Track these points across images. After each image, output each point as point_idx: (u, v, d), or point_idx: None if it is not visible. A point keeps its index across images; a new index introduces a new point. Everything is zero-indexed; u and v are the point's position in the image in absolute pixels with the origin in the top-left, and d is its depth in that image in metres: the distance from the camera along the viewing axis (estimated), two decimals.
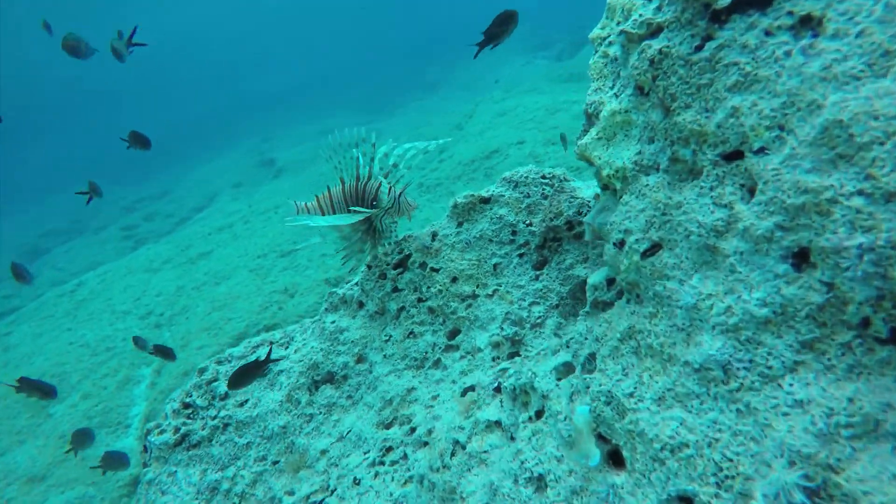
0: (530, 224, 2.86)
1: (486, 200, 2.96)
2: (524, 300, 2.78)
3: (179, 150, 23.16)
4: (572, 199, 2.83)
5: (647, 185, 1.58)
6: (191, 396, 3.06)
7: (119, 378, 7.72)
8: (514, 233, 2.88)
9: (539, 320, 2.72)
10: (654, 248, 1.56)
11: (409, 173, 3.10)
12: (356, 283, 3.21)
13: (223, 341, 7.95)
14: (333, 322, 3.13)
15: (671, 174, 1.53)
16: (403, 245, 3.08)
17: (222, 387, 3.05)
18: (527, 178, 2.93)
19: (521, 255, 2.87)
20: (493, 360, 2.67)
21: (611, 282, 2.07)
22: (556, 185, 2.90)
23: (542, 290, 2.79)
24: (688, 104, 1.45)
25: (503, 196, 2.93)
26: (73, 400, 6.96)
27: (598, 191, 2.90)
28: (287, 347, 3.16)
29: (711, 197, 1.39)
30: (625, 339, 1.61)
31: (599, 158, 1.84)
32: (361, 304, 3.14)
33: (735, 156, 1.41)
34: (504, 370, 2.50)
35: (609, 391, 1.55)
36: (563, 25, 19.21)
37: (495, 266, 2.88)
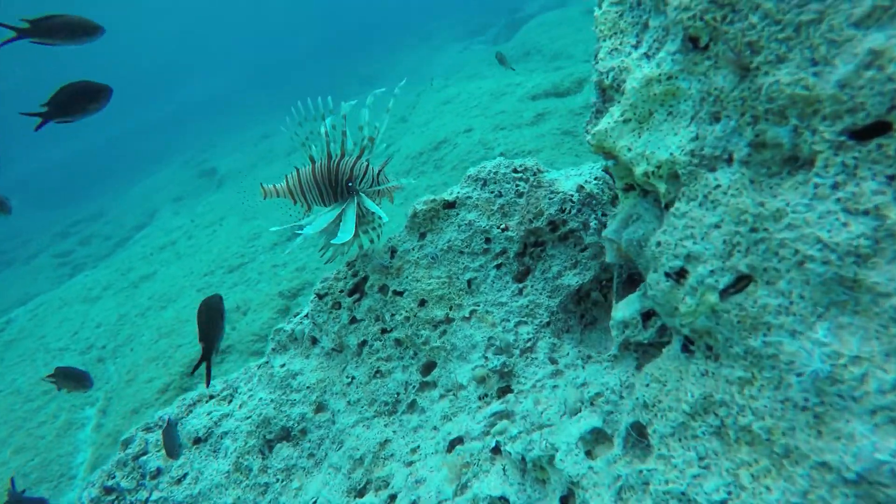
0: (506, 228, 2.35)
1: (450, 205, 2.42)
2: (508, 320, 2.27)
3: (114, 168, 21.62)
4: (552, 195, 2.32)
5: (718, 185, 1.06)
6: (113, 478, 2.43)
7: (59, 424, 6.87)
8: (487, 240, 2.36)
9: (529, 344, 2.22)
10: (741, 283, 1.07)
11: (387, 148, 2.58)
12: (305, 316, 2.63)
13: (174, 371, 7.20)
14: (283, 366, 2.56)
15: (755, 167, 1.02)
16: (357, 266, 2.52)
17: (153, 461, 2.43)
18: (496, 173, 2.41)
19: (498, 267, 2.35)
20: (480, 398, 2.15)
21: (647, 315, 1.56)
22: (532, 179, 2.39)
23: (527, 306, 2.28)
24: (782, 56, 0.94)
25: (470, 198, 2.41)
26: (2, 457, 6.11)
27: (584, 181, 2.40)
28: (230, 402, 2.57)
29: (838, 199, 0.90)
30: (698, 414, 1.10)
31: (629, 150, 1.31)
32: (315, 341, 2.57)
33: (875, 130, 0.93)
34: (498, 415, 1.99)
35: (684, 494, 1.05)
36: (495, 9, 18.70)
37: (469, 282, 2.35)
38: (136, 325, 8.37)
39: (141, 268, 10.47)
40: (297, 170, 2.52)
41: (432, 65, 15.48)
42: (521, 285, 2.33)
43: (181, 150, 18.80)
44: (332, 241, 2.37)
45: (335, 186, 2.46)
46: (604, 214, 2.38)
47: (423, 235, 2.44)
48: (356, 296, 2.47)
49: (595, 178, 2.43)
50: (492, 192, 2.39)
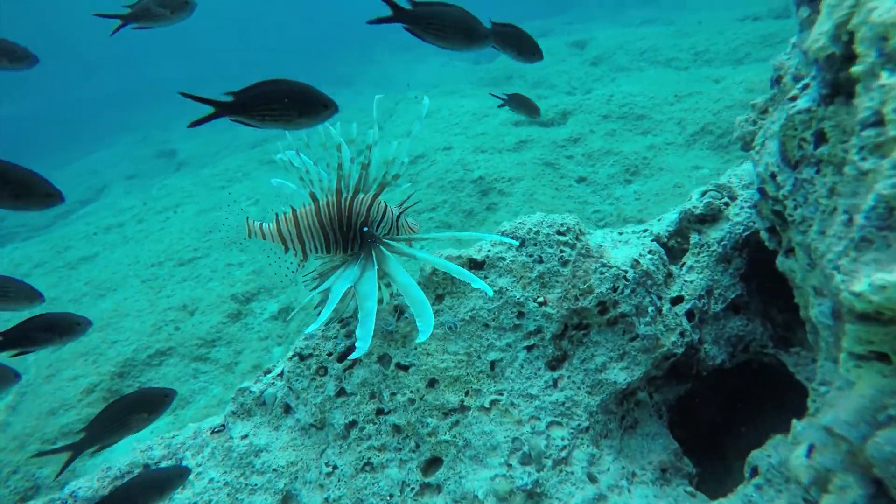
0: (544, 303, 1.86)
1: (478, 265, 1.91)
2: (538, 418, 1.78)
3: (64, 135, 19.89)
4: (604, 269, 1.85)
5: None
6: None
7: None
8: (520, 315, 1.87)
9: (564, 453, 1.73)
10: None
11: (410, 186, 2.04)
12: (279, 376, 2.05)
13: (105, 370, 6.35)
14: (245, 437, 1.97)
15: None
16: (352, 324, 1.97)
17: None
18: (537, 233, 1.92)
19: (529, 349, 1.86)
20: None
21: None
22: (579, 246, 1.91)
23: (563, 403, 1.80)
24: None
25: (503, 259, 1.91)
26: None
27: (639, 254, 1.94)
28: None
29: None
30: None
31: None
32: (288, 410, 2.00)
33: None
34: None
35: None
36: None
37: (493, 364, 1.85)
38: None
39: (81, 248, 9.43)
40: (294, 210, 1.92)
41: (412, 75, 14.96)
42: (555, 375, 1.84)
43: (140, 126, 17.42)
44: (341, 313, 1.81)
45: (347, 231, 1.90)
46: (659, 297, 1.92)
47: (440, 298, 1.92)
48: (348, 362, 1.93)
49: (649, 252, 1.98)
50: (530, 256, 1.89)
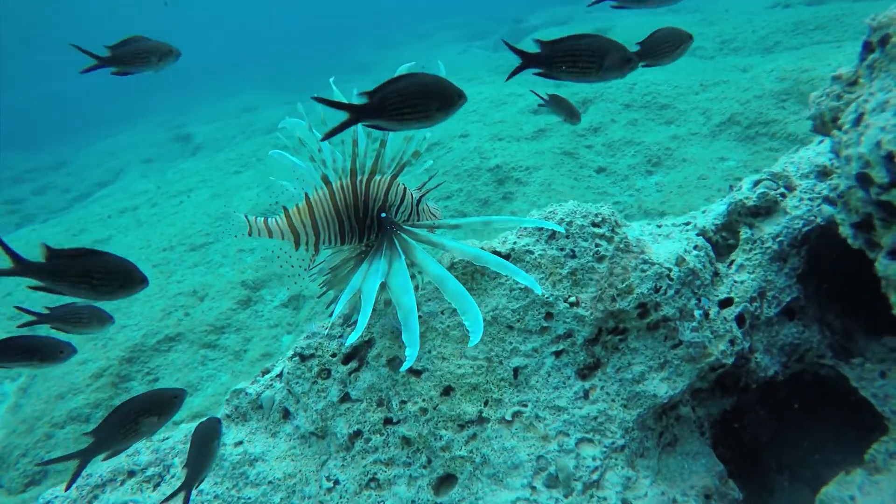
0: (577, 303, 1.62)
1: (503, 257, 1.68)
2: (567, 434, 1.55)
3: (83, 118, 19.85)
4: (645, 266, 1.61)
5: None
6: None
7: None
8: (548, 316, 1.63)
9: (595, 475, 1.50)
10: None
11: (431, 164, 1.82)
12: (278, 377, 1.84)
13: (113, 355, 6.25)
14: (239, 444, 1.76)
15: None
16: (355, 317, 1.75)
17: None
18: (570, 224, 1.68)
19: (557, 354, 1.63)
20: None
21: None
22: (617, 239, 1.67)
23: (595, 417, 1.57)
24: None
25: (531, 252, 1.67)
26: None
27: (684, 250, 1.69)
28: (157, 487, 1.76)
29: None
30: None
31: None
32: (287, 415, 1.79)
33: None
34: None
35: None
36: (498, 16, 17.88)
37: (516, 371, 1.62)
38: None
39: (95, 230, 9.36)
40: (307, 198, 1.68)
41: (429, 62, 14.68)
42: (586, 385, 1.60)
43: (156, 110, 17.29)
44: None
45: (363, 218, 1.67)
46: (707, 299, 1.68)
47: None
48: (353, 364, 1.71)
49: (695, 248, 1.73)
50: (562, 250, 1.65)
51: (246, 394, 1.84)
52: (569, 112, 3.53)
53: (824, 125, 1.46)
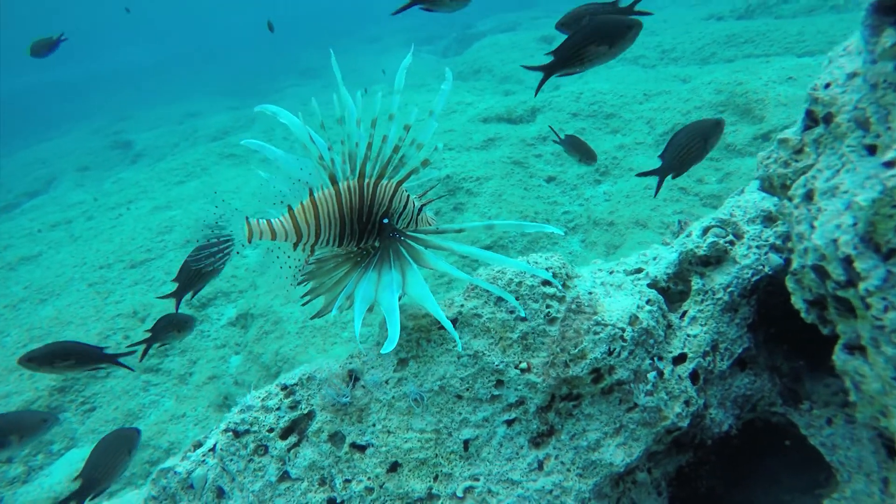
0: (528, 369, 1.53)
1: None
2: None
3: (10, 123, 18.56)
4: (598, 328, 1.53)
5: None
6: None
7: None
8: (499, 384, 1.53)
9: None
10: None
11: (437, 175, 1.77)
12: (210, 452, 1.67)
13: (42, 386, 5.83)
14: None
15: None
16: (298, 392, 1.60)
17: None
18: (519, 284, 1.58)
19: (510, 423, 1.53)
20: None
21: None
22: (569, 299, 1.59)
23: (550, 491, 1.47)
24: None
25: (479, 316, 1.56)
26: None
27: (637, 306, 1.62)
28: None
29: None
30: None
31: None
32: (221, 494, 1.63)
33: None
34: None
35: None
36: (447, 22, 17.79)
37: (467, 443, 1.51)
38: (2, 319, 6.80)
39: (22, 246, 8.72)
40: (312, 196, 1.55)
41: (379, 67, 14.43)
42: (540, 454, 1.51)
43: (92, 115, 16.31)
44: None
45: (366, 223, 1.57)
46: (660, 358, 1.61)
47: (403, 363, 1.56)
48: (292, 439, 1.56)
49: (647, 303, 1.66)
50: (511, 312, 1.55)
51: (175, 472, 1.66)
52: (585, 153, 3.46)
53: (772, 188, 1.42)
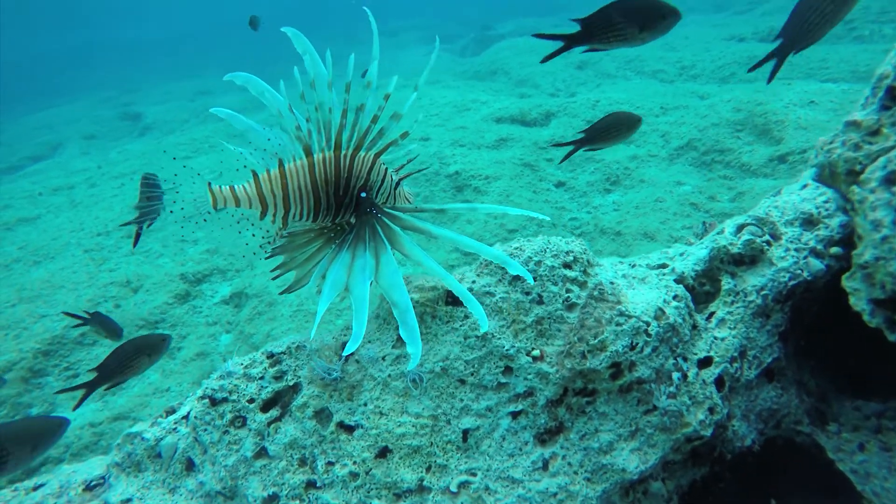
0: (541, 357, 1.37)
1: (457, 300, 1.42)
2: None
3: (19, 87, 18.38)
4: (621, 318, 1.38)
5: None
6: None
7: None
8: (507, 370, 1.38)
9: None
10: None
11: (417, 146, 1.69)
12: (183, 419, 1.52)
13: (27, 347, 5.66)
14: (128, 503, 1.43)
15: None
16: (286, 362, 1.45)
17: None
18: (539, 263, 1.43)
19: (515, 416, 1.37)
20: None
21: None
22: (591, 285, 1.43)
23: (554, 493, 1.32)
24: None
25: (491, 295, 1.41)
26: None
27: (663, 300, 1.46)
28: None
29: None
30: None
31: None
32: (191, 466, 1.47)
33: None
34: None
35: None
36: (467, 22, 17.64)
37: (466, 433, 1.36)
38: None
39: (22, 207, 8.58)
40: (281, 165, 1.44)
41: (395, 61, 14.33)
42: (546, 453, 1.36)
43: (104, 85, 16.17)
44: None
45: (342, 196, 1.45)
46: (685, 359, 1.46)
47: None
48: (274, 412, 1.40)
49: (675, 298, 1.51)
50: (527, 294, 1.40)
51: (142, 439, 1.50)
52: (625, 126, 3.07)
53: (833, 176, 1.27)
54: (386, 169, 1.52)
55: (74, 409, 1.87)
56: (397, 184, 1.54)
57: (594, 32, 1.70)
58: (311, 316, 5.66)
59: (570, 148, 2.52)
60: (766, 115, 6.97)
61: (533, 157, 7.59)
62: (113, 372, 1.77)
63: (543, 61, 1.83)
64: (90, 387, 1.76)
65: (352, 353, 1.40)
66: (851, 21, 9.22)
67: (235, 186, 1.46)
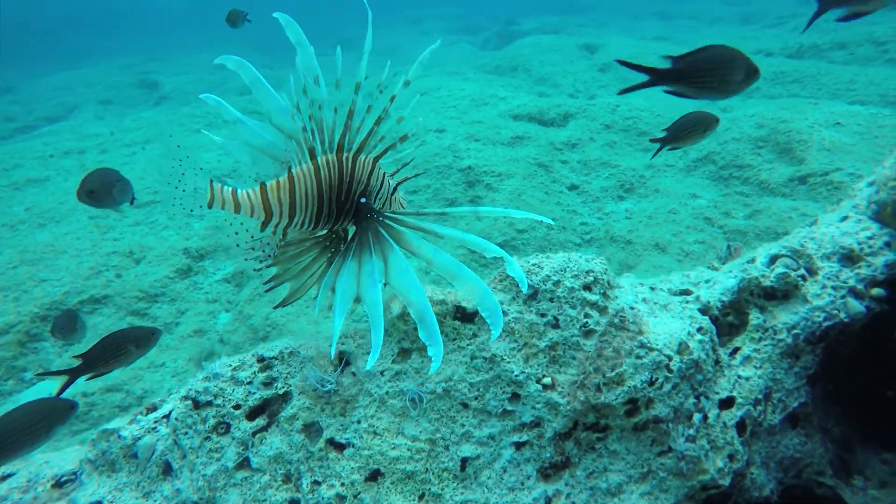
0: (552, 386, 1.26)
1: (467, 316, 1.30)
2: None
3: (41, 46, 18.29)
4: (642, 351, 1.26)
5: None
6: None
7: None
8: (514, 398, 1.26)
9: None
10: None
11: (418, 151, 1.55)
12: (164, 418, 1.42)
13: (25, 311, 5.59)
14: None
15: None
16: (276, 368, 1.34)
17: None
18: (557, 283, 1.31)
19: (519, 446, 1.26)
20: None
21: None
22: (611, 311, 1.32)
23: None
24: None
25: (504, 314, 1.30)
26: None
27: (687, 333, 1.34)
28: None
29: None
30: None
31: None
32: (168, 471, 1.37)
33: None
34: None
35: None
36: (491, 15, 17.37)
37: (465, 462, 1.25)
38: None
39: (32, 168, 8.50)
40: (290, 173, 1.33)
41: (417, 50, 14.15)
42: (549, 489, 1.24)
43: (125, 52, 16.06)
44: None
45: (343, 202, 1.35)
46: (706, 398, 1.34)
47: (405, 354, 1.29)
48: (260, 421, 1.29)
49: (699, 330, 1.39)
50: (542, 316, 1.28)
51: (119, 436, 1.40)
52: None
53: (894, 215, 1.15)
54: (384, 174, 1.42)
55: (56, 396, 1.79)
56: (394, 189, 1.44)
57: (682, 76, 1.52)
58: (312, 301, 5.57)
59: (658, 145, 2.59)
60: (789, 133, 6.79)
61: (548, 158, 7.43)
62: (98, 361, 1.69)
63: (621, 93, 1.65)
64: (73, 374, 1.66)
65: (348, 364, 1.29)
66: (885, 43, 8.98)
67: (239, 191, 1.34)
